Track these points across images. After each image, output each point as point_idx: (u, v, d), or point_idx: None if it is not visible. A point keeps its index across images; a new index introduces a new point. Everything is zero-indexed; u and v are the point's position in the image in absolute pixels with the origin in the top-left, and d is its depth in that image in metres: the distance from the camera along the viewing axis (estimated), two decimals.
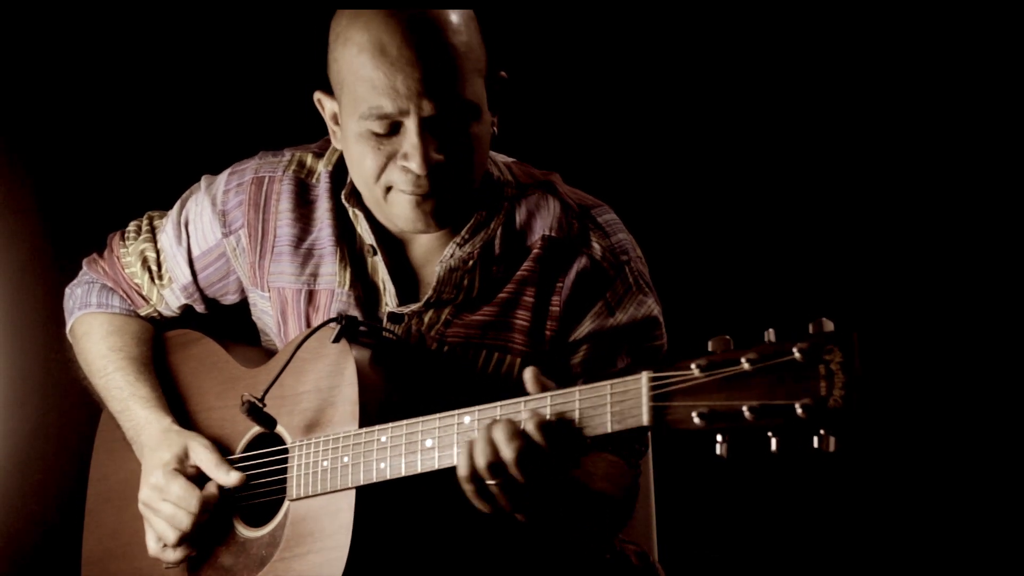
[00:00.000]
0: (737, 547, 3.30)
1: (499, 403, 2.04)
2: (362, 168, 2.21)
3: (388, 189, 2.21)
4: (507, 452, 1.97)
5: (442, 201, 2.21)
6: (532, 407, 2.00)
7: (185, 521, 2.26)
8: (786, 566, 3.30)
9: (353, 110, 2.18)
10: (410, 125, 2.14)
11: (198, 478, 2.30)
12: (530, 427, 1.98)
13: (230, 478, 2.27)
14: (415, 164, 2.15)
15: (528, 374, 2.03)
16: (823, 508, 3.28)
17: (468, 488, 2.02)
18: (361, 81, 2.15)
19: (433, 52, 2.13)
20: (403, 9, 2.14)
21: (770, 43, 3.26)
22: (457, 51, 2.15)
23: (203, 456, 2.30)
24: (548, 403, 2.00)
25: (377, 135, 2.17)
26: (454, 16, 2.17)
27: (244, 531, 2.28)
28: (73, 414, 2.63)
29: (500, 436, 1.98)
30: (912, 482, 3.24)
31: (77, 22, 3.06)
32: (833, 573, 3.29)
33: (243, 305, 2.49)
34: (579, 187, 2.40)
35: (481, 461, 1.99)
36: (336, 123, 2.27)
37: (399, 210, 2.22)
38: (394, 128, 2.16)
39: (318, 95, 2.27)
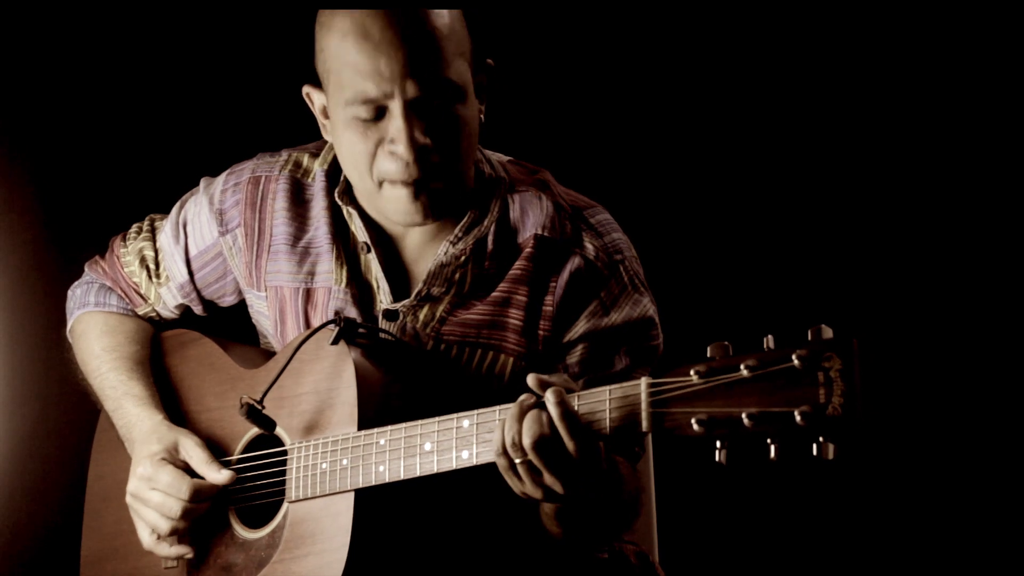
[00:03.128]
0: (737, 548, 3.31)
1: (499, 407, 2.04)
2: (353, 157, 2.21)
3: (381, 183, 2.21)
4: (525, 439, 1.95)
5: (435, 191, 2.20)
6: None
7: (175, 508, 2.25)
8: (786, 567, 3.31)
9: (340, 97, 2.18)
10: (395, 108, 2.15)
11: (188, 471, 2.29)
12: (555, 414, 1.95)
13: (220, 476, 2.27)
14: (401, 147, 2.15)
15: (531, 379, 2.01)
16: (823, 510, 3.28)
17: (500, 463, 2.01)
18: (346, 66, 2.15)
19: (415, 33, 2.14)
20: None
21: (770, 46, 3.26)
22: (439, 32, 2.15)
23: (193, 453, 2.30)
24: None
25: (364, 121, 2.17)
26: (436, 8, 2.18)
27: (243, 532, 2.28)
28: (72, 414, 2.63)
29: (527, 422, 1.96)
30: (911, 489, 3.24)
31: (78, 23, 3.06)
32: (833, 574, 3.30)
33: (242, 306, 2.49)
34: (577, 189, 2.39)
35: (508, 438, 1.98)
36: (326, 116, 2.28)
37: (394, 204, 2.22)
38: (380, 113, 2.16)
39: (307, 89, 2.28)
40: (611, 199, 2.39)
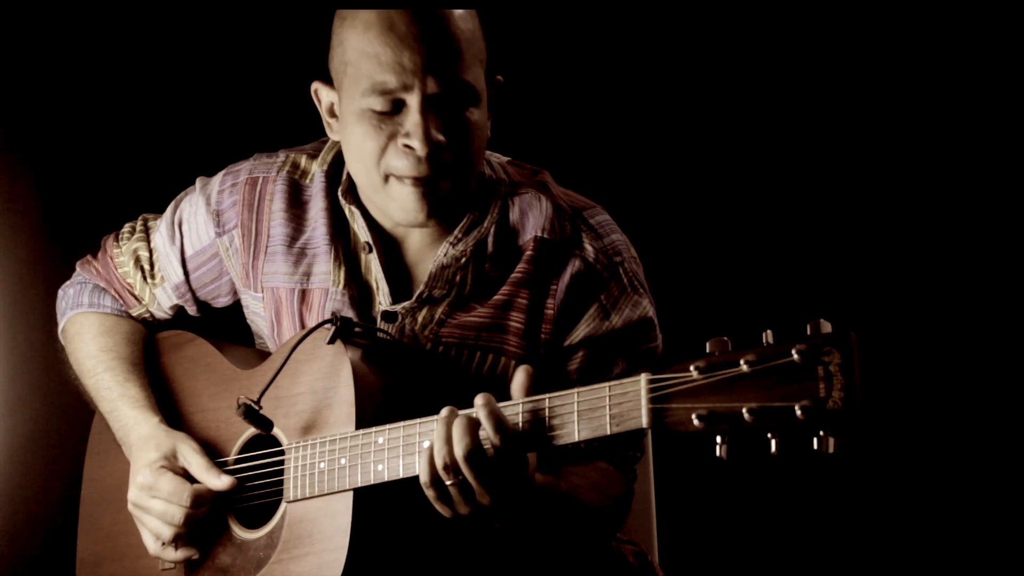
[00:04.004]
0: (737, 548, 3.30)
1: (499, 404, 2.03)
2: (362, 151, 2.21)
3: (387, 178, 2.20)
4: (458, 449, 1.97)
5: (440, 191, 2.20)
6: (529, 408, 2.00)
7: (178, 515, 2.25)
8: (786, 566, 3.30)
9: (355, 87, 2.18)
10: (412, 102, 2.16)
11: (188, 477, 2.29)
12: (487, 426, 1.98)
13: (221, 482, 2.26)
14: (417, 142, 2.16)
15: (520, 375, 2.01)
16: (823, 508, 3.28)
17: (430, 494, 2.02)
18: (367, 57, 2.16)
19: (439, 32, 2.16)
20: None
21: (764, 37, 3.26)
22: (462, 35, 2.18)
23: (192, 459, 2.29)
24: (547, 405, 1.99)
25: (378, 113, 2.18)
26: (459, 10, 2.20)
27: (241, 533, 2.28)
28: (73, 414, 2.61)
29: (456, 431, 1.98)
30: (911, 482, 3.24)
31: (77, 22, 3.06)
32: (833, 573, 3.29)
33: (236, 307, 2.48)
34: (575, 187, 2.40)
35: (439, 461, 1.99)
36: (332, 115, 2.28)
37: (399, 200, 2.22)
38: (396, 107, 2.17)
39: (316, 85, 2.28)
40: (610, 197, 2.39)
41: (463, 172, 2.22)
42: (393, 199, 2.22)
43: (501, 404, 2.02)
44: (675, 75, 3.30)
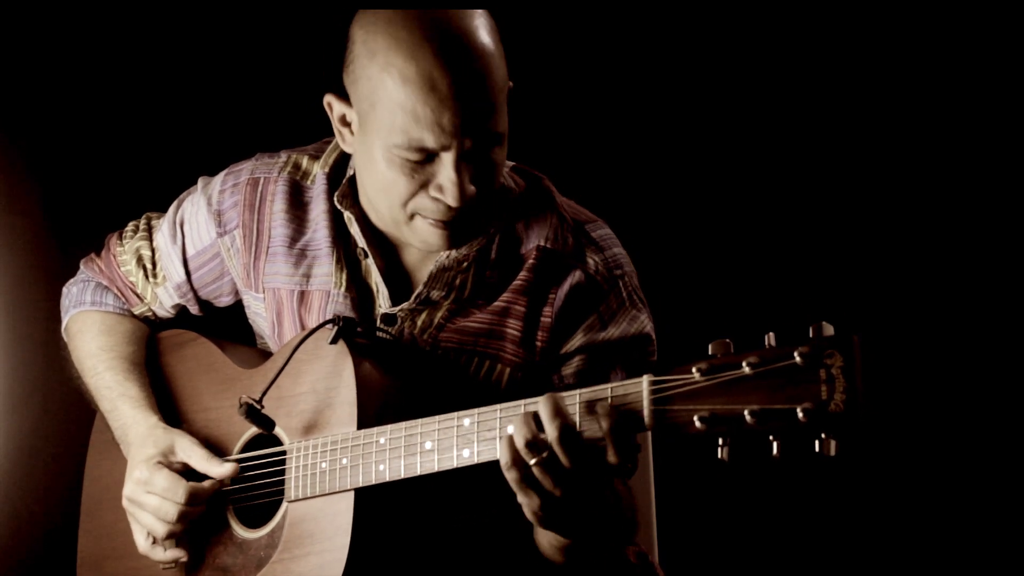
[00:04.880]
0: (737, 548, 3.31)
1: (499, 405, 2.04)
2: (391, 192, 2.18)
3: (412, 216, 2.20)
4: (551, 429, 1.94)
5: (464, 225, 2.21)
6: (532, 409, 1.99)
7: (172, 512, 2.25)
8: (786, 567, 3.31)
9: (387, 136, 2.14)
10: (447, 159, 2.13)
11: (184, 474, 2.29)
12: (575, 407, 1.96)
13: (223, 468, 2.26)
14: (451, 197, 2.14)
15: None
16: (824, 510, 3.29)
17: (512, 476, 1.97)
18: (402, 111, 2.11)
19: (479, 91, 2.11)
20: (436, 32, 2.10)
21: (766, 42, 3.27)
22: (497, 86, 2.14)
23: (192, 452, 2.29)
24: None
25: (411, 162, 2.15)
26: (487, 39, 2.14)
27: (241, 532, 2.28)
28: (73, 414, 2.62)
29: (545, 412, 1.95)
30: (913, 485, 3.25)
31: (78, 22, 3.06)
32: (833, 574, 3.30)
33: (238, 306, 2.48)
34: (577, 190, 2.39)
35: (520, 441, 1.95)
36: (344, 125, 2.24)
37: (422, 235, 2.21)
38: (428, 157, 2.14)
39: (329, 99, 2.23)
40: (613, 195, 2.40)
41: (485, 205, 2.21)
42: (416, 233, 2.22)
43: (501, 405, 2.03)
44: (676, 79, 3.30)
